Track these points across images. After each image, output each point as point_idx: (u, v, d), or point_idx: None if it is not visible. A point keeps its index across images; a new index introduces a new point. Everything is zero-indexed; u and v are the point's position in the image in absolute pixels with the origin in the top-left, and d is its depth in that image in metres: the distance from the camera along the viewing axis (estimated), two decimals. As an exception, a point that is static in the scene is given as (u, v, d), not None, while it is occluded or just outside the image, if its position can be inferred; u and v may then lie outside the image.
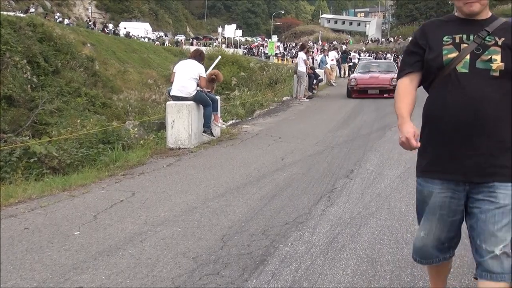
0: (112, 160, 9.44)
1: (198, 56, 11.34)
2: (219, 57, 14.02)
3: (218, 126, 11.71)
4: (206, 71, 11.53)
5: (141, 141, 11.34)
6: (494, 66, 2.84)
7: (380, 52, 63.55)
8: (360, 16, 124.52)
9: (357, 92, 21.75)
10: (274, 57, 66.56)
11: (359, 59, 48.46)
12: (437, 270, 3.31)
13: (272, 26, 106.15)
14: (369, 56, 57.99)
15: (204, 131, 11.09)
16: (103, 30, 62.17)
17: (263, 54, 73.33)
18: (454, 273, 3.98)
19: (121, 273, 4.17)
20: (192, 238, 4.99)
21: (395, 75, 21.05)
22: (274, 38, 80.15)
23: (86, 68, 32.95)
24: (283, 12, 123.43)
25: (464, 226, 5.09)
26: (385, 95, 20.95)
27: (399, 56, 53.22)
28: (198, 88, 10.85)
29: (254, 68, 37.93)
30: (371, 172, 7.82)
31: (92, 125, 12.96)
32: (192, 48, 34.78)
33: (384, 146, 10.15)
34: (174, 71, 11.21)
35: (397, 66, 27.60)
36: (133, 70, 40.79)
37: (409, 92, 3.13)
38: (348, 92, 22.29)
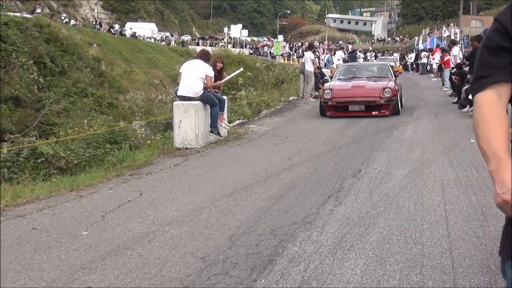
0: (119, 160, 9.45)
1: (204, 56, 11.34)
2: (241, 68, 14.16)
3: (222, 127, 11.70)
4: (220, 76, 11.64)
5: (148, 141, 11.35)
6: None
7: (386, 52, 63.37)
8: (366, 16, 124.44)
9: (333, 108, 15.19)
10: (280, 57, 66.54)
11: (364, 58, 48.40)
12: None
13: (278, 26, 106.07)
14: (375, 55, 57.81)
15: (211, 131, 11.09)
16: (109, 31, 62.28)
17: (269, 54, 73.34)
18: (464, 273, 3.96)
19: (130, 273, 4.17)
20: (200, 238, 4.99)
21: (390, 83, 15.28)
22: (280, 38, 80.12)
23: (93, 68, 33.04)
24: (289, 12, 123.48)
25: (474, 225, 5.08)
26: (373, 112, 14.87)
27: (405, 56, 53.03)
28: (209, 89, 10.87)
29: (260, 68, 37.96)
30: (379, 172, 7.80)
31: (99, 125, 12.97)
32: (198, 48, 34.83)
33: (391, 146, 10.12)
34: (180, 71, 11.22)
35: (392, 69, 18.29)
36: (139, 70, 40.86)
37: (499, 114, 1.93)
38: (321, 109, 15.64)
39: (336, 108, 15.17)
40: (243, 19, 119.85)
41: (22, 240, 5.09)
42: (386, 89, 14.87)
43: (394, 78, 16.54)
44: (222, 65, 12.52)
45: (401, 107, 16.04)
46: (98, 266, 4.35)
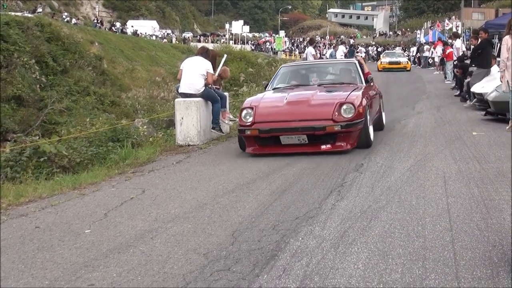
0: (122, 158, 9.47)
1: (204, 53, 11.35)
2: (225, 55, 13.91)
3: (225, 123, 11.71)
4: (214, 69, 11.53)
5: (150, 139, 11.37)
6: None
7: (387, 46, 63.26)
8: (367, 10, 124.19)
9: (256, 141, 9.22)
10: (282, 52, 66.56)
11: (365, 53, 48.31)
12: None
13: (279, 21, 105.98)
14: (377, 50, 57.72)
15: (213, 128, 11.10)
16: (110, 29, 62.28)
17: (270, 50, 73.34)
18: (466, 266, 3.96)
19: (132, 270, 4.18)
20: (203, 234, 4.99)
21: (353, 95, 9.22)
22: (282, 33, 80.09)
23: (95, 67, 33.05)
24: (290, 7, 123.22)
25: (477, 218, 5.08)
26: (323, 147, 8.98)
27: (406, 50, 52.91)
28: (210, 85, 10.87)
29: (262, 64, 37.98)
30: (381, 166, 7.79)
31: (101, 124, 13.00)
32: (200, 45, 34.86)
33: (393, 139, 10.11)
34: (181, 68, 11.23)
35: (361, 68, 11.14)
36: (141, 68, 40.85)
37: None
38: (240, 141, 9.69)
39: (260, 141, 9.14)
40: (244, 15, 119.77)
41: (25, 239, 5.11)
42: (344, 106, 8.92)
43: (363, 84, 10.57)
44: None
45: (382, 129, 11.29)
46: (100, 264, 4.35)
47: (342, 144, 8.91)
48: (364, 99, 9.40)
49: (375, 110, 10.70)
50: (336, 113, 8.87)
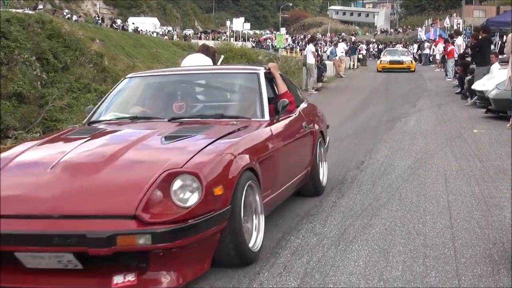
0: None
1: (205, 50, 11.32)
2: (222, 56, 13.77)
3: None
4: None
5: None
6: None
7: (388, 43, 63.15)
8: (369, 7, 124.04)
9: None
10: (283, 49, 66.49)
11: (366, 50, 48.28)
12: None
13: (280, 18, 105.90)
14: (378, 47, 57.65)
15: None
16: (111, 26, 62.24)
17: (271, 47, 73.32)
18: (467, 263, 3.97)
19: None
20: (204, 231, 4.98)
21: (210, 148, 4.05)
22: (283, 30, 80.00)
23: (96, 64, 32.97)
24: (291, 5, 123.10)
25: (477, 215, 5.09)
26: (116, 281, 3.45)
27: (407, 47, 52.82)
28: None
29: (262, 61, 37.93)
30: (382, 163, 7.80)
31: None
32: (201, 42, 34.82)
33: (394, 137, 10.11)
34: (182, 65, 11.21)
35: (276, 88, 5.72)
36: (142, 65, 40.73)
37: None
38: None
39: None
40: (245, 12, 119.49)
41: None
42: (178, 181, 3.59)
43: (265, 119, 5.10)
44: None
45: (319, 193, 6.18)
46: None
47: (161, 279, 3.58)
48: (245, 155, 4.24)
49: (294, 168, 5.53)
50: (154, 197, 3.61)
